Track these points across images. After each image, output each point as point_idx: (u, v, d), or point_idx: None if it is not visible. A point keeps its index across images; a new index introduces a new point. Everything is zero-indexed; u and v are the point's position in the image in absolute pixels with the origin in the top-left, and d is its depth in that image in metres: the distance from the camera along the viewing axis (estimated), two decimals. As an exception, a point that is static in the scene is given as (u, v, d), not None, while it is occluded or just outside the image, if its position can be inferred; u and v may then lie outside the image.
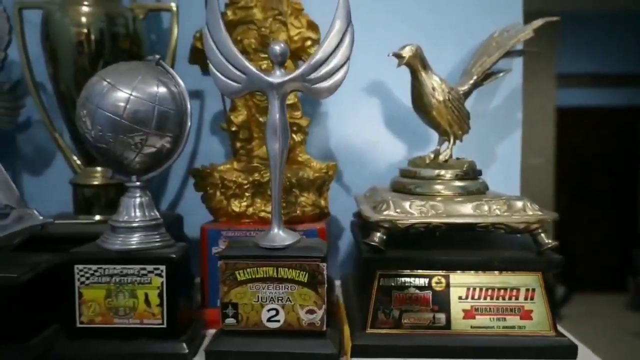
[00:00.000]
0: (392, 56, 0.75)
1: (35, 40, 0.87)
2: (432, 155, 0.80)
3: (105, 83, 0.63)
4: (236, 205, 0.78)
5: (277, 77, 0.64)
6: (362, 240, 0.71)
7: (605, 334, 2.98)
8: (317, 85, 0.65)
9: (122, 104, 0.62)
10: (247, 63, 0.65)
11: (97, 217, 0.86)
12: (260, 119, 0.81)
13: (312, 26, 0.83)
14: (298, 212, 0.78)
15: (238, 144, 0.82)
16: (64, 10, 0.81)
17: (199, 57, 0.82)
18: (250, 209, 0.78)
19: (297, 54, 0.82)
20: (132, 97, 0.63)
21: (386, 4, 1.02)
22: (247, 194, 0.78)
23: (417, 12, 1.00)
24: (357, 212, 0.90)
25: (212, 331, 0.72)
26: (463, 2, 1.00)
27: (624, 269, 3.86)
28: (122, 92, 0.62)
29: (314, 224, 0.79)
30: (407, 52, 0.74)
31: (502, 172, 1.01)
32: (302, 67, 0.64)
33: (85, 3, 0.81)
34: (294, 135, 0.82)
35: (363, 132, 1.03)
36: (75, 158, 0.90)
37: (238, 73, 0.65)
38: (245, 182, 0.77)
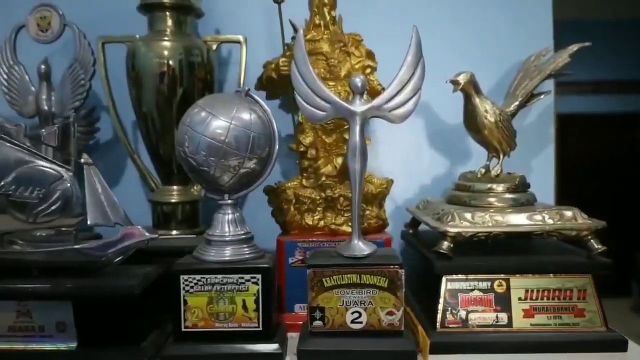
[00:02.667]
0: (449, 82, 0.84)
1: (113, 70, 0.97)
2: (483, 170, 0.88)
3: (206, 113, 0.72)
4: (309, 219, 0.86)
5: (357, 105, 0.73)
6: (431, 248, 0.80)
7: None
8: (393, 112, 0.73)
9: (223, 132, 0.70)
10: (331, 93, 0.73)
11: (174, 232, 0.94)
12: (326, 140, 0.90)
13: (370, 55, 0.92)
14: (365, 224, 0.86)
15: (306, 163, 0.90)
16: (148, 45, 0.90)
17: (270, 85, 0.90)
18: (322, 222, 0.86)
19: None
20: (231, 125, 0.71)
21: (424, 26, 1.11)
22: (319, 209, 0.86)
23: (451, 29, 1.08)
24: (410, 222, 0.99)
25: (291, 334, 0.80)
26: (495, 14, 1.09)
27: (628, 274, 3.94)
28: (223, 121, 0.71)
29: (380, 234, 0.87)
30: (462, 79, 0.83)
31: (538, 184, 1.10)
32: (380, 97, 0.73)
33: (166, 38, 0.90)
34: (356, 154, 0.91)
35: (406, 148, 1.12)
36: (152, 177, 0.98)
37: (323, 103, 0.73)
38: (318, 197, 0.86)
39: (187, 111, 0.75)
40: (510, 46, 1.09)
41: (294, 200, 0.87)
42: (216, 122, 0.71)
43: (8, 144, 0.68)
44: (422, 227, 1.00)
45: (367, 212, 0.87)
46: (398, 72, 0.73)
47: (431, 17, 1.08)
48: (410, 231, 1.00)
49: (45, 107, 0.94)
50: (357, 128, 0.73)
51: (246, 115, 0.73)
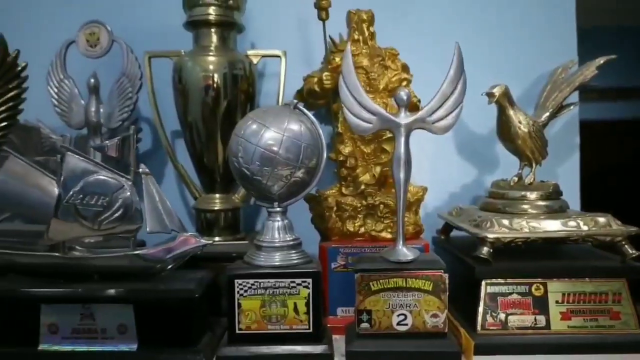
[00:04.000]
0: (484, 95, 0.88)
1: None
2: (516, 179, 0.92)
3: (259, 125, 0.76)
4: (351, 226, 0.90)
5: (402, 118, 0.77)
6: (467, 253, 0.83)
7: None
8: (436, 125, 0.77)
9: (277, 143, 0.74)
10: (377, 106, 0.77)
11: (217, 238, 0.97)
12: (364, 150, 0.94)
13: (405, 68, 0.96)
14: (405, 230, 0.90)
15: (345, 172, 0.94)
16: (195, 59, 0.94)
17: (311, 97, 0.94)
18: (362, 229, 0.90)
19: (393, 93, 0.94)
20: (284, 136, 0.75)
21: (451, 39, 1.15)
22: (359, 216, 0.90)
23: (477, 42, 1.12)
24: (442, 228, 1.03)
25: (335, 337, 0.83)
26: (519, 26, 1.13)
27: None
28: (276, 132, 0.75)
29: (418, 240, 0.91)
30: (497, 91, 0.87)
31: (563, 191, 1.13)
32: (424, 110, 0.77)
33: (211, 53, 0.94)
34: (392, 163, 0.94)
35: (434, 157, 1.16)
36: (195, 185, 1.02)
37: (369, 115, 0.77)
38: (359, 205, 0.89)
39: (239, 123, 0.79)
40: (535, 57, 1.14)
41: (335, 208, 0.91)
42: (269, 133, 0.75)
43: (76, 156, 0.72)
44: (453, 233, 1.05)
45: (405, 218, 0.91)
46: (440, 86, 0.77)
47: (458, 31, 1.12)
48: (442, 237, 1.04)
49: (94, 119, 0.99)
50: (402, 139, 0.77)
51: (297, 127, 0.77)
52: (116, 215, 0.74)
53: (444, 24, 1.13)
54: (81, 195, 0.72)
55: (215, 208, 0.98)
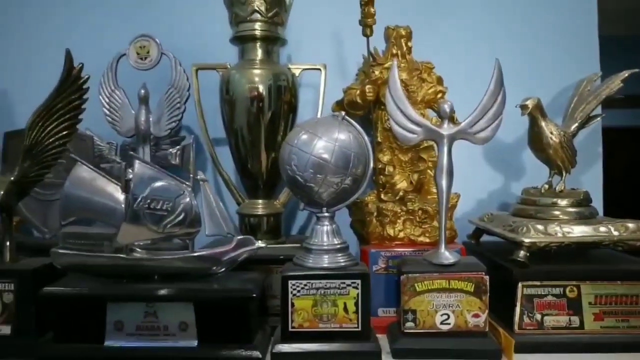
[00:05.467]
0: (518, 107, 0.93)
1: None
2: (546, 186, 0.96)
3: (311, 135, 0.80)
4: (391, 230, 0.94)
5: (446, 129, 0.82)
6: (499, 257, 0.88)
7: None
8: (477, 136, 0.82)
9: (329, 152, 0.79)
10: (422, 118, 0.82)
11: (260, 242, 1.02)
12: (402, 158, 0.99)
13: (440, 81, 1.01)
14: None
15: (383, 179, 0.99)
16: (241, 72, 1.00)
17: (351, 108, 0.99)
18: (402, 233, 0.95)
19: (429, 104, 1.00)
20: (336, 146, 0.80)
21: (478, 52, 1.20)
22: (399, 221, 0.95)
23: (502, 54, 1.18)
24: (473, 233, 1.07)
25: (377, 336, 0.87)
26: (543, 39, 1.19)
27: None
28: (328, 142, 0.80)
29: (453, 244, 0.95)
30: (530, 103, 0.92)
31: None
32: (465, 122, 0.82)
33: (257, 66, 1.00)
34: (429, 171, 0.99)
35: (462, 164, 1.20)
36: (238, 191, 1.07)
37: (414, 126, 0.82)
38: (399, 210, 0.94)
39: (291, 133, 0.84)
40: (559, 68, 1.19)
41: (375, 213, 0.96)
42: (321, 143, 0.80)
43: (143, 163, 0.77)
44: (483, 237, 1.09)
45: (442, 224, 0.96)
46: (482, 99, 0.82)
47: (484, 45, 1.18)
48: (473, 241, 1.09)
49: (143, 128, 1.04)
50: (445, 149, 0.82)
51: (346, 137, 0.82)
52: (178, 219, 0.79)
53: (471, 37, 1.19)
54: (148, 201, 0.77)
55: (259, 213, 1.03)
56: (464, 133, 0.82)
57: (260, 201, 1.04)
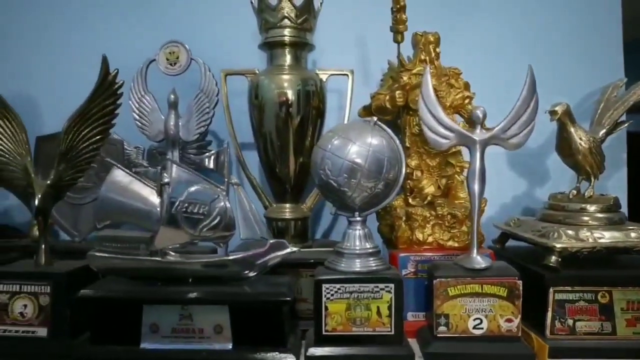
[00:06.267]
0: (547, 113, 0.93)
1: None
2: (574, 192, 0.97)
3: (345, 140, 0.81)
4: (420, 235, 0.95)
5: (478, 134, 0.83)
6: (528, 262, 0.88)
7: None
8: (509, 141, 0.83)
9: (363, 156, 0.80)
10: (454, 124, 0.83)
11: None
12: (430, 163, 0.99)
13: (467, 86, 1.02)
14: (469, 240, 0.95)
15: (411, 184, 1.00)
16: (270, 77, 1.01)
17: (379, 113, 1.00)
18: (430, 238, 0.95)
19: (457, 110, 1.00)
20: (370, 150, 0.80)
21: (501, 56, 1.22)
22: (428, 225, 0.95)
23: (528, 60, 1.17)
24: (499, 238, 1.07)
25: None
26: (567, 45, 1.20)
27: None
28: (362, 147, 0.80)
29: (482, 249, 0.95)
30: (560, 109, 0.92)
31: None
32: (498, 128, 0.83)
33: (285, 71, 1.01)
34: (456, 176, 1.00)
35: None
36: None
37: (447, 132, 0.83)
38: (429, 215, 0.94)
39: (323, 138, 0.85)
40: (583, 74, 1.20)
41: (404, 218, 0.96)
42: (355, 147, 0.81)
43: (180, 167, 0.78)
44: (508, 242, 1.09)
45: (469, 228, 0.96)
46: (514, 105, 0.83)
47: (508, 49, 1.20)
48: (498, 246, 1.09)
49: (172, 132, 1.05)
50: (478, 154, 0.82)
51: (379, 142, 0.82)
52: (214, 223, 0.80)
53: (493, 43, 1.20)
54: (186, 204, 0.78)
55: (286, 217, 1.04)
56: (497, 139, 0.83)
57: (287, 205, 1.05)
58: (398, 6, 0.86)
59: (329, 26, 1.17)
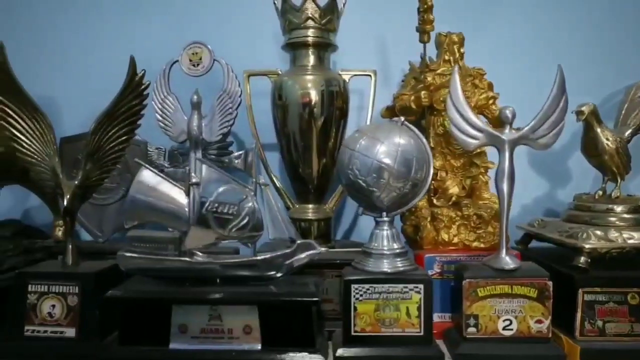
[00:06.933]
0: (573, 113, 0.93)
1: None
2: (600, 192, 0.96)
3: (373, 140, 0.81)
4: (445, 235, 0.94)
5: (508, 134, 0.82)
6: (553, 263, 0.88)
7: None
8: (538, 141, 0.82)
9: (392, 156, 0.79)
10: (483, 124, 0.82)
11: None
12: (454, 164, 0.99)
13: (491, 87, 1.01)
14: (494, 241, 0.94)
15: (435, 184, 0.99)
16: (294, 78, 1.01)
17: (403, 113, 0.99)
18: (456, 238, 0.95)
19: (481, 110, 1.00)
20: (399, 150, 0.80)
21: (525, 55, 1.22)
22: (454, 226, 0.95)
23: (553, 59, 1.16)
24: (522, 239, 1.06)
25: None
26: (591, 40, 1.20)
27: None
28: (391, 146, 0.80)
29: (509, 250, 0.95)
30: (586, 109, 0.92)
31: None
32: (527, 128, 0.82)
33: (309, 72, 1.01)
34: (480, 177, 0.99)
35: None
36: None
37: (475, 132, 0.83)
38: (454, 215, 0.94)
39: (350, 138, 0.85)
40: (606, 74, 1.19)
41: (429, 218, 0.96)
42: (384, 147, 0.80)
43: (211, 168, 0.78)
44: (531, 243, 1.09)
45: (496, 229, 0.96)
46: (543, 105, 0.82)
47: (532, 49, 1.20)
48: (520, 247, 1.08)
49: (195, 133, 1.05)
50: (507, 154, 0.82)
51: (408, 142, 0.82)
52: (242, 223, 0.80)
53: (517, 42, 1.20)
54: (216, 204, 0.78)
55: (309, 217, 1.04)
56: (526, 139, 0.82)
57: (310, 206, 1.05)
58: (425, 6, 0.86)
59: (348, 27, 1.17)
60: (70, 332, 0.83)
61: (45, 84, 1.27)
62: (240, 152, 0.83)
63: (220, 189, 0.78)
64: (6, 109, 0.84)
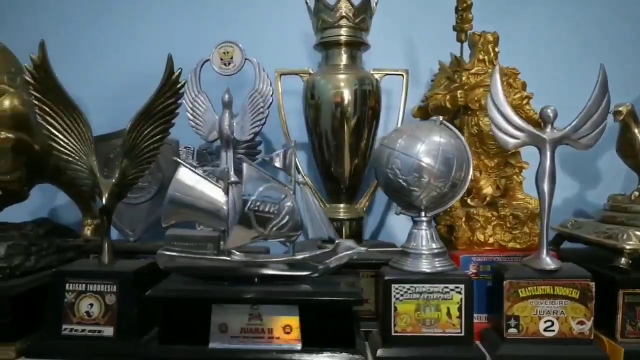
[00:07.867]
0: (611, 113, 0.92)
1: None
2: (636, 193, 0.95)
3: (414, 139, 0.81)
4: (481, 235, 0.94)
5: (549, 134, 0.82)
6: (588, 264, 0.87)
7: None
8: (580, 141, 0.82)
9: (434, 156, 0.79)
10: (524, 123, 0.82)
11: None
12: (488, 163, 0.99)
13: (525, 86, 1.01)
14: (530, 241, 0.94)
15: (469, 184, 0.98)
16: (326, 77, 1.01)
17: (437, 113, 0.99)
18: (492, 239, 0.94)
19: (516, 110, 0.98)
20: (440, 150, 0.80)
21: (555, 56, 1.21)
22: (489, 226, 0.94)
23: (579, 59, 1.18)
24: (554, 239, 1.04)
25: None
26: (619, 40, 1.19)
27: None
28: (432, 146, 0.80)
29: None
30: (624, 110, 0.91)
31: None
32: (569, 127, 0.82)
33: (342, 71, 1.01)
34: (515, 177, 0.99)
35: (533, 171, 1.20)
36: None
37: (516, 131, 0.82)
38: (490, 215, 0.94)
39: (390, 137, 0.84)
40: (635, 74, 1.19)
41: (464, 218, 0.96)
42: (425, 147, 0.80)
43: (251, 166, 0.78)
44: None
45: (531, 229, 0.95)
46: (585, 104, 0.82)
47: (562, 48, 1.19)
48: (552, 248, 1.07)
49: (227, 132, 1.05)
50: (548, 154, 0.81)
51: (448, 141, 0.82)
52: (282, 222, 0.80)
53: (552, 41, 1.19)
54: (257, 203, 0.77)
55: (341, 217, 1.03)
56: (567, 138, 0.82)
57: (342, 205, 1.04)
58: (465, 5, 0.85)
59: (377, 26, 1.17)
60: (108, 331, 0.83)
61: (76, 81, 1.28)
62: (279, 151, 0.83)
63: (262, 187, 0.78)
64: (45, 107, 0.83)
